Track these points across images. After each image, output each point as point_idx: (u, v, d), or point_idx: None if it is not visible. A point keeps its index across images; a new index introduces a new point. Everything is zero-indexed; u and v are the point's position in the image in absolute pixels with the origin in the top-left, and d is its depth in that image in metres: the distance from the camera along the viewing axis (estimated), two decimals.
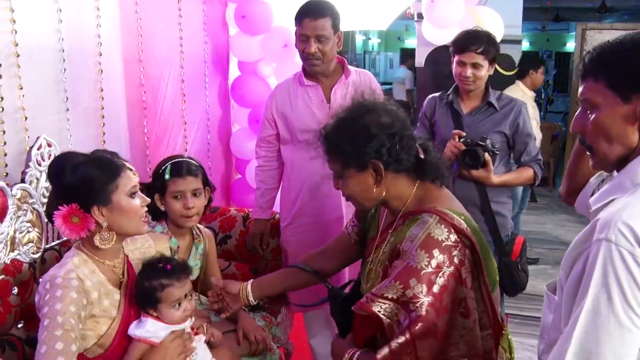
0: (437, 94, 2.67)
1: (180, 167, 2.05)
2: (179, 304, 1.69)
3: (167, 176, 2.02)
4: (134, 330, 1.65)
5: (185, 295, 1.71)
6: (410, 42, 12.60)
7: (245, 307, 2.12)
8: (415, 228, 1.48)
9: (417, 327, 1.38)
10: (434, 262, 1.41)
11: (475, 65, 2.41)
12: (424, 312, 1.38)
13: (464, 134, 2.42)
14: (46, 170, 1.93)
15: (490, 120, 2.49)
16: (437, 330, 1.41)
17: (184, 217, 2.05)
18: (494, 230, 2.49)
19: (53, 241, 1.97)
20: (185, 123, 3.01)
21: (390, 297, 1.42)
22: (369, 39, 15.34)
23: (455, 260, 1.43)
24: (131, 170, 1.63)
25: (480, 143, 2.38)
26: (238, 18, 3.12)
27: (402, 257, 1.46)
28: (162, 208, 2.04)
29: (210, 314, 2.17)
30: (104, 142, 2.37)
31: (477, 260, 1.48)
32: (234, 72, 3.46)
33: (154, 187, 2.04)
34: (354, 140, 1.54)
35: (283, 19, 3.21)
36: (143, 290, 1.67)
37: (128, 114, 2.55)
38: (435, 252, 1.42)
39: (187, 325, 1.74)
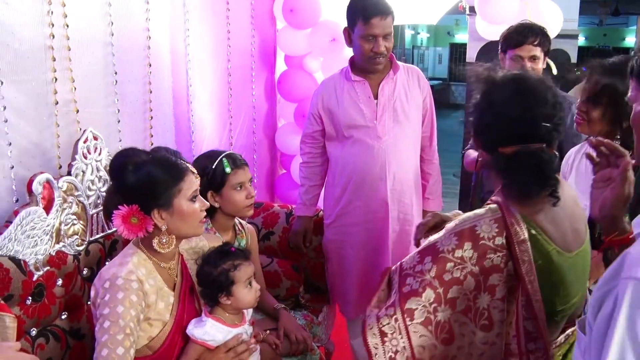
0: None
1: (235, 159, 2.06)
2: (250, 283, 1.72)
3: (228, 169, 2.01)
4: (193, 329, 1.65)
5: None
6: (460, 37, 12.34)
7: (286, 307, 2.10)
8: (473, 213, 1.40)
9: (406, 290, 1.34)
10: (459, 253, 1.32)
11: (534, 58, 2.33)
12: (420, 288, 1.32)
13: None
14: (94, 163, 1.96)
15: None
16: (435, 320, 1.32)
17: (248, 206, 2.07)
18: None
19: (97, 234, 1.98)
20: (231, 117, 3.01)
21: (405, 267, 1.39)
22: (418, 33, 15.10)
23: (486, 263, 1.32)
24: (194, 173, 1.62)
25: None
26: (286, 12, 3.09)
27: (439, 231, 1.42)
28: (217, 205, 2.04)
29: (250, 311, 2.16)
30: (152, 135, 2.38)
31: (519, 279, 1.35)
32: (280, 66, 3.44)
33: (209, 184, 2.02)
34: None
35: (331, 13, 3.17)
36: (215, 277, 1.67)
37: (174, 108, 2.55)
38: (467, 245, 1.33)
39: (247, 330, 1.73)
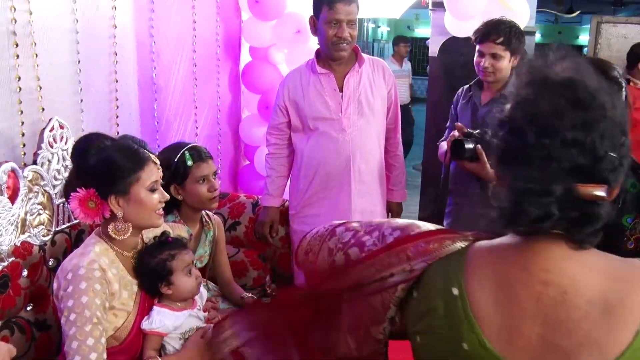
0: (465, 86, 2.63)
1: (199, 152, 2.06)
2: (190, 271, 1.71)
3: (189, 162, 2.01)
4: (143, 322, 1.65)
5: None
6: (420, 31, 12.48)
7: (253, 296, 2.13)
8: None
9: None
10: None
11: (495, 56, 2.36)
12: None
13: (464, 128, 2.37)
14: (60, 152, 1.93)
15: (503, 112, 2.44)
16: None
17: (211, 199, 2.07)
18: None
19: (63, 224, 1.96)
20: (196, 107, 3.00)
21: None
22: (379, 27, 15.21)
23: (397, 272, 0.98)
24: (156, 164, 1.62)
25: (477, 135, 2.33)
26: (251, 3, 3.09)
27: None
28: (180, 198, 2.04)
29: (218, 299, 2.17)
30: (117, 124, 2.36)
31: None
32: (244, 57, 3.44)
33: (172, 177, 2.02)
34: None
35: (296, 5, 3.18)
36: (153, 267, 1.66)
37: (139, 98, 2.53)
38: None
39: (199, 314, 1.74)
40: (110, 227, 1.60)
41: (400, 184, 2.60)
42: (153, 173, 1.60)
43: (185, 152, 2.03)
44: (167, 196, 1.66)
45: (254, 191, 3.53)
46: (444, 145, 2.61)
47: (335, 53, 2.32)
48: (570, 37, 11.05)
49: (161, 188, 1.64)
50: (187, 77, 2.90)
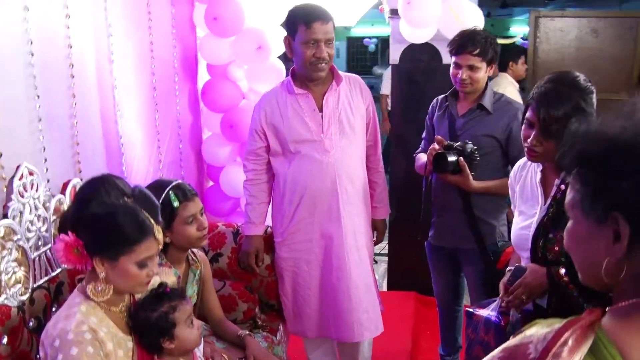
0: (440, 96, 2.61)
1: (184, 191, 1.94)
2: (192, 322, 1.63)
3: (176, 203, 1.89)
4: None
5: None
6: (356, 31, 12.53)
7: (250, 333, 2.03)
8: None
9: None
10: None
11: (472, 68, 2.35)
12: None
13: (444, 141, 2.35)
14: (32, 201, 1.77)
15: (481, 123, 2.42)
16: None
17: (200, 238, 1.96)
18: (477, 236, 2.46)
19: (41, 278, 1.79)
20: (159, 133, 2.85)
21: None
22: None
23: None
24: (156, 239, 1.48)
25: (458, 147, 2.32)
26: (209, 20, 2.96)
27: None
28: (168, 240, 1.90)
29: (211, 339, 2.07)
30: (79, 162, 2.19)
31: None
32: (202, 75, 3.30)
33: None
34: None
35: (255, 20, 3.08)
36: (154, 322, 1.56)
37: (103, 129, 2.36)
38: None
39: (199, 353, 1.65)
40: (90, 287, 1.47)
41: (383, 201, 2.56)
42: (150, 249, 1.47)
43: (170, 192, 1.90)
44: (156, 271, 1.53)
45: (221, 213, 3.41)
46: (421, 157, 2.59)
47: (314, 73, 2.24)
48: (501, 29, 11.42)
49: (154, 261, 1.51)
50: (147, 101, 2.74)
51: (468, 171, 2.31)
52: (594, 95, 1.65)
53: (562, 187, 1.66)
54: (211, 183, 3.47)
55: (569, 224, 0.90)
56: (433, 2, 3.03)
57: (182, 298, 1.62)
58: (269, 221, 2.50)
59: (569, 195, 0.89)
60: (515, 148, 2.35)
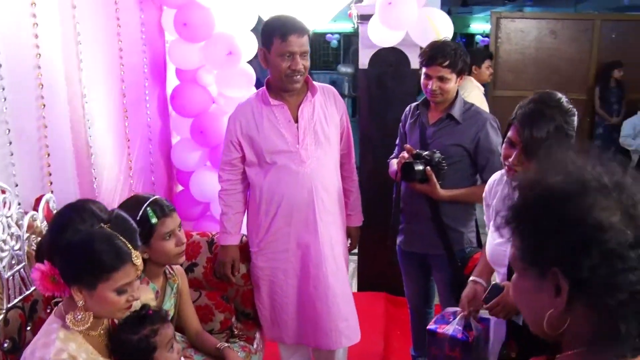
0: (413, 104, 2.65)
1: (162, 206, 1.92)
2: (172, 346, 1.62)
3: (154, 220, 1.87)
4: None
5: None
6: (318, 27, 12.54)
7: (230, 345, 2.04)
8: None
9: None
10: None
11: (442, 79, 2.39)
12: None
13: (413, 150, 2.40)
14: (4, 220, 1.73)
15: (450, 133, 2.47)
16: None
17: (179, 254, 1.95)
18: (446, 243, 2.51)
19: (15, 298, 1.76)
20: (129, 140, 2.80)
21: None
22: None
23: None
24: (135, 265, 1.46)
25: (426, 157, 2.37)
26: (179, 26, 2.92)
27: None
28: (146, 256, 1.88)
29: (189, 351, 2.07)
30: (50, 174, 2.14)
31: None
32: (171, 80, 3.26)
33: None
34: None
35: (225, 25, 3.06)
36: (135, 345, 1.55)
37: (73, 139, 2.32)
38: None
39: None
40: (69, 317, 1.44)
41: (357, 209, 2.59)
42: (128, 275, 1.44)
43: (148, 209, 1.88)
44: (138, 296, 1.52)
45: (191, 217, 3.39)
46: (394, 164, 2.63)
47: (289, 85, 2.25)
48: (461, 26, 11.64)
49: (135, 285, 1.49)
50: (117, 109, 2.70)
51: (435, 180, 2.36)
52: (575, 118, 1.68)
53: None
54: (181, 188, 3.44)
55: (514, 276, 0.93)
56: (411, 6, 3.08)
57: (163, 321, 1.61)
58: (244, 230, 2.51)
59: (510, 249, 0.91)
60: (483, 157, 2.42)
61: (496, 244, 1.80)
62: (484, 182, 2.41)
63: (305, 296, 2.37)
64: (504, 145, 1.75)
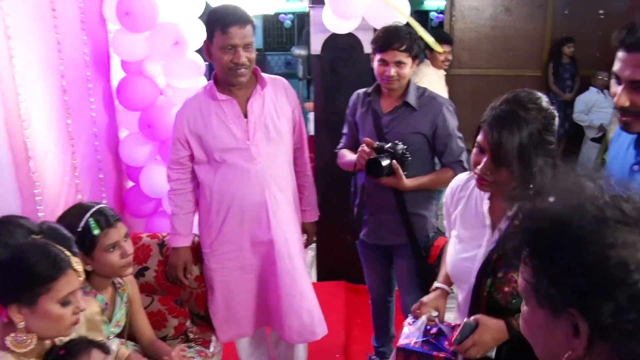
0: (360, 91, 2.57)
1: (106, 216, 1.81)
2: None
3: (96, 231, 1.76)
4: None
5: None
6: None
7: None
8: None
9: None
10: None
11: (399, 64, 2.33)
12: None
13: (374, 143, 2.35)
14: None
15: (407, 120, 2.43)
16: None
17: (124, 266, 1.85)
18: (410, 233, 2.48)
19: None
20: (72, 138, 2.66)
21: None
22: None
23: None
24: (76, 271, 1.36)
25: (389, 150, 2.32)
26: (121, 15, 2.78)
27: None
28: (89, 268, 1.79)
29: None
30: None
31: None
32: (116, 72, 3.12)
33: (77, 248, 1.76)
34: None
35: (170, 14, 2.93)
36: None
37: (10, 142, 2.18)
38: None
39: None
40: (9, 340, 1.34)
41: (312, 204, 2.54)
42: (70, 283, 1.36)
43: (90, 219, 1.78)
44: (83, 306, 1.42)
45: (142, 214, 3.28)
46: (345, 154, 2.57)
47: (234, 79, 2.15)
48: (416, 3, 11.58)
49: (79, 295, 1.39)
50: (58, 106, 2.55)
51: (401, 172, 2.32)
52: (556, 121, 1.47)
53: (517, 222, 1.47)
54: (131, 184, 3.32)
55: (525, 309, 0.82)
56: None
57: (84, 351, 1.47)
58: (196, 229, 2.42)
59: (521, 280, 0.81)
60: (442, 143, 2.40)
61: (460, 258, 1.62)
62: (444, 165, 2.41)
63: (261, 291, 2.33)
64: (473, 150, 1.55)
